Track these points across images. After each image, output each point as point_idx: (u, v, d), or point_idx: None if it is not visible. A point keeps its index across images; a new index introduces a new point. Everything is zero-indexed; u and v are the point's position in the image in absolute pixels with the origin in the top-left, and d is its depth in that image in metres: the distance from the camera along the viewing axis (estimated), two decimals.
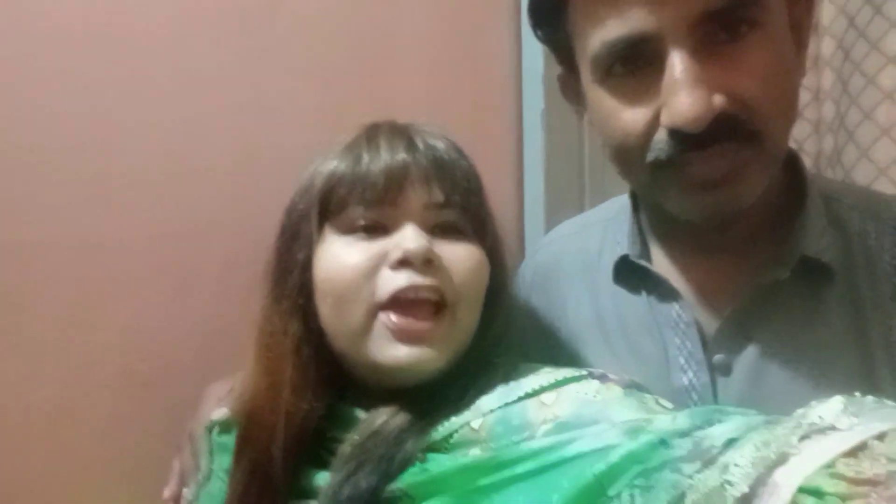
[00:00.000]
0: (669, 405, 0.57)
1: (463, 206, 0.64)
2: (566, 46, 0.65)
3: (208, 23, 0.94)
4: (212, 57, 0.94)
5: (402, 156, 0.63)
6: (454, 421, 0.59)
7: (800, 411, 0.44)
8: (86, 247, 0.83)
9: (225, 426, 0.70)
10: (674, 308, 0.68)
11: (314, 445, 0.63)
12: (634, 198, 0.75)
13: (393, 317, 0.60)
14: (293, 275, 0.65)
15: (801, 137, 1.22)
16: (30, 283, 0.80)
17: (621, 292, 0.73)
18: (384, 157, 0.63)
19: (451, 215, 0.64)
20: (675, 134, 0.57)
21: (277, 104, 0.99)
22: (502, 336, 0.67)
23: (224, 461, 0.68)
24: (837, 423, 0.40)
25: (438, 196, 0.63)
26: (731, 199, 0.59)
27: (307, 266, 0.64)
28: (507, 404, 0.59)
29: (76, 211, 0.83)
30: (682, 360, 0.67)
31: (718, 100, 0.55)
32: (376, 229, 0.63)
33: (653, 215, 0.73)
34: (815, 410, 0.44)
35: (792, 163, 0.69)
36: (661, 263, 0.71)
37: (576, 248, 0.81)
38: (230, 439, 0.67)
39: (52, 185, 0.81)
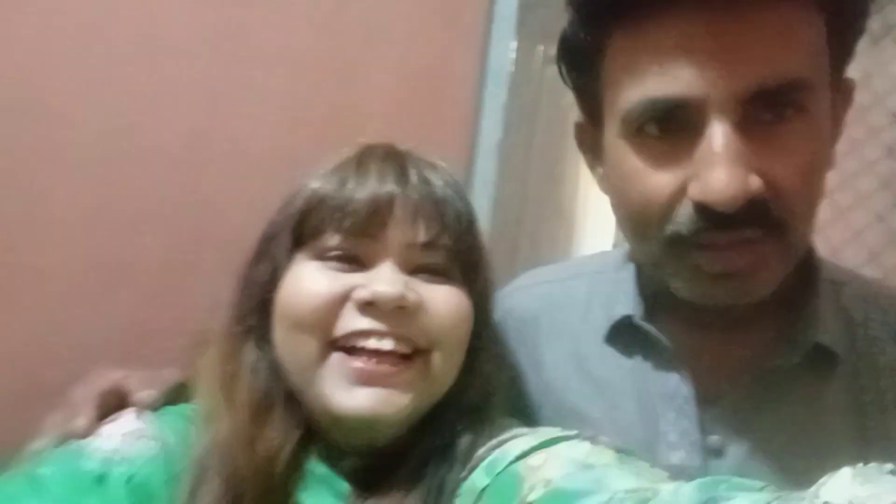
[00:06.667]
0: (664, 473, 0.54)
1: (451, 249, 0.60)
2: (595, 95, 0.62)
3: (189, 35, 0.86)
4: (183, 35, 0.88)
5: (390, 186, 0.59)
6: None
7: (811, 490, 0.42)
8: None
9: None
10: (672, 378, 0.65)
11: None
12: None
13: (349, 359, 0.56)
14: (253, 295, 0.61)
15: (879, 246, 1.20)
16: None
17: (610, 353, 0.69)
18: (371, 185, 0.59)
19: (437, 258, 0.60)
20: (703, 210, 0.54)
21: (233, 94, 0.91)
22: (487, 389, 0.63)
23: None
24: (854, 498, 0.39)
25: (423, 236, 0.59)
26: (744, 292, 0.57)
27: (269, 288, 0.60)
28: (497, 475, 0.55)
29: None
30: (672, 437, 0.63)
31: (754, 182, 0.52)
32: (352, 261, 0.59)
33: (652, 283, 0.68)
34: (827, 487, 0.41)
35: None
36: (660, 331, 0.67)
37: (556, 300, 0.76)
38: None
39: None
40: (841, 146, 0.63)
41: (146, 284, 0.83)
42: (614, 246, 1.39)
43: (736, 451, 0.61)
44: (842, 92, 0.60)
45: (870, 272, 1.09)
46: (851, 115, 0.64)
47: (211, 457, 0.55)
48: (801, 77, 0.53)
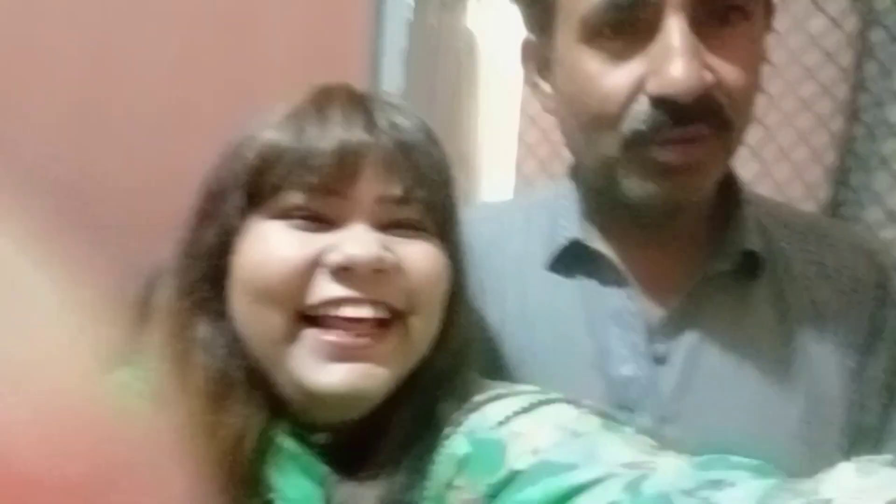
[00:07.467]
0: (651, 441, 0.53)
1: (427, 203, 0.54)
2: (548, 7, 0.64)
3: None
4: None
5: (358, 135, 0.52)
6: (431, 483, 0.53)
7: (810, 485, 0.42)
8: None
9: None
10: (619, 295, 0.68)
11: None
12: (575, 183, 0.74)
13: (322, 333, 0.51)
14: (202, 263, 0.54)
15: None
16: None
17: (553, 279, 0.70)
18: (336, 134, 0.52)
19: (412, 212, 0.54)
20: (661, 103, 0.57)
21: (123, 49, 0.87)
22: (462, 349, 0.59)
23: None
24: (862, 491, 0.39)
25: (397, 190, 0.53)
26: (692, 187, 0.61)
27: (220, 253, 0.53)
28: (478, 441, 0.53)
29: None
30: (624, 351, 0.66)
31: (709, 76, 0.56)
32: (318, 220, 0.52)
33: (596, 203, 0.71)
34: (830, 482, 0.42)
35: None
36: (602, 251, 0.70)
37: (493, 237, 0.75)
38: None
39: None
40: None
41: None
42: (515, 193, 1.44)
43: (678, 356, 0.66)
44: (767, 10, 0.64)
45: None
46: None
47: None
48: None
